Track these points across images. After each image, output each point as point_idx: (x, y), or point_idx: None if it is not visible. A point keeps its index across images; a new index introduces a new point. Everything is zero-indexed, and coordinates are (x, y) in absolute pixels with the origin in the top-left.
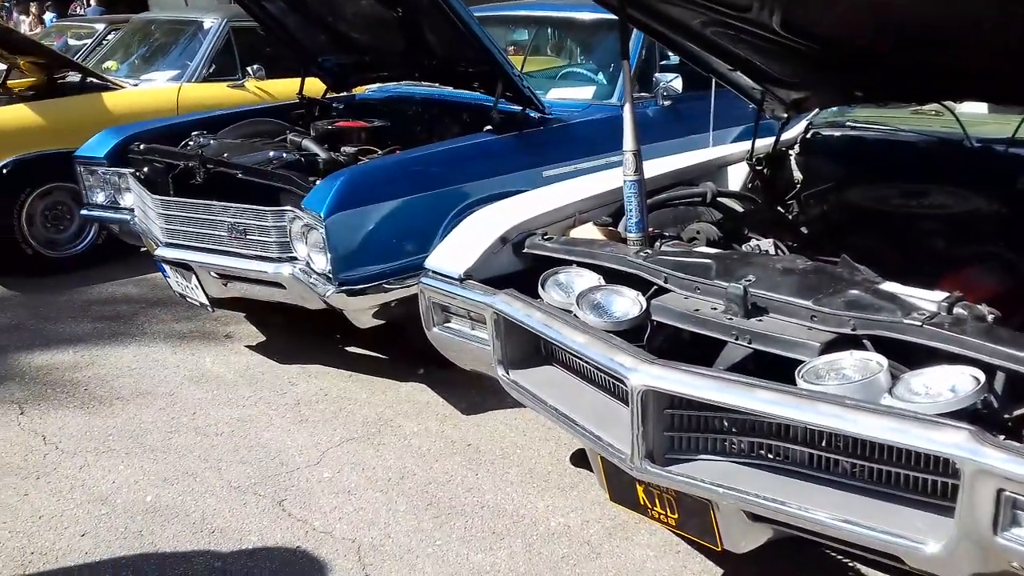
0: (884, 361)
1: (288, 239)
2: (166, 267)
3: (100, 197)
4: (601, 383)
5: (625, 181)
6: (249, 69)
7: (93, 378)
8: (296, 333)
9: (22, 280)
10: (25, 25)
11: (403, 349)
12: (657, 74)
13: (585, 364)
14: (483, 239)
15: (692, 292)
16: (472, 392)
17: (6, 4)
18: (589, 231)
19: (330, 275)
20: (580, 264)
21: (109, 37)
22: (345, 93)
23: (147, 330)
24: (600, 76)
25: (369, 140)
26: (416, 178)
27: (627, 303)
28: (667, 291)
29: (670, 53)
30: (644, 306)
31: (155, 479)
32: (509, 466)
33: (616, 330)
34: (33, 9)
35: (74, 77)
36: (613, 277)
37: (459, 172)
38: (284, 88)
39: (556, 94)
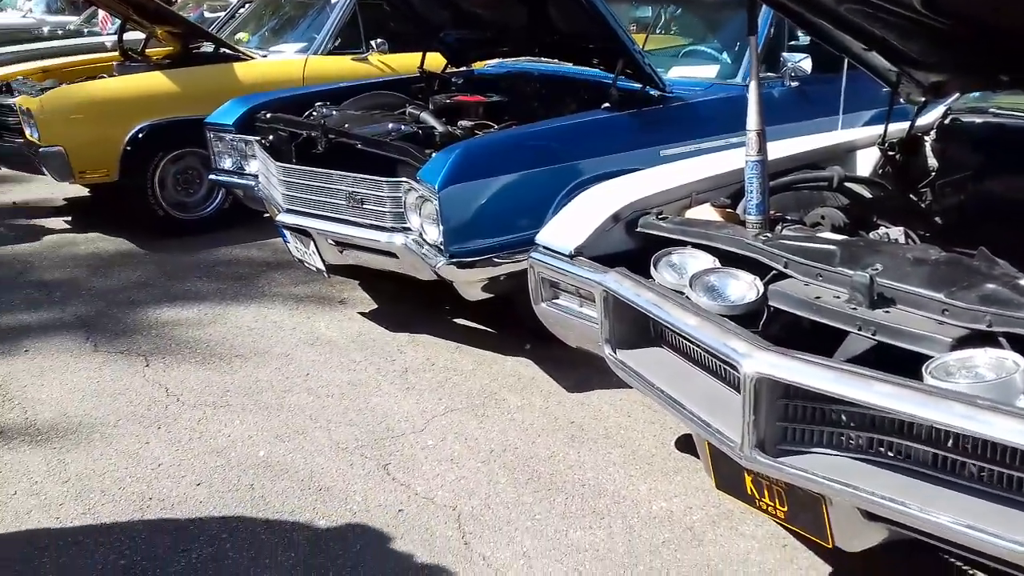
0: (1021, 360)
1: (403, 210)
2: (286, 232)
3: (227, 163)
4: (712, 368)
5: (747, 161)
6: (373, 43)
7: (215, 335)
8: (406, 301)
9: (153, 240)
10: None
11: (511, 323)
12: (785, 54)
13: (696, 347)
14: (595, 216)
15: (814, 279)
16: (578, 370)
17: None
18: (706, 212)
19: (442, 247)
20: (695, 245)
21: (242, 10)
22: (464, 68)
23: (267, 292)
24: (724, 55)
25: (486, 115)
26: (531, 153)
27: (743, 287)
28: (786, 277)
29: (799, 33)
30: (761, 291)
31: (268, 435)
32: (612, 446)
33: (730, 314)
34: None
35: (208, 47)
36: (729, 260)
37: (575, 148)
38: (406, 62)
39: (678, 72)
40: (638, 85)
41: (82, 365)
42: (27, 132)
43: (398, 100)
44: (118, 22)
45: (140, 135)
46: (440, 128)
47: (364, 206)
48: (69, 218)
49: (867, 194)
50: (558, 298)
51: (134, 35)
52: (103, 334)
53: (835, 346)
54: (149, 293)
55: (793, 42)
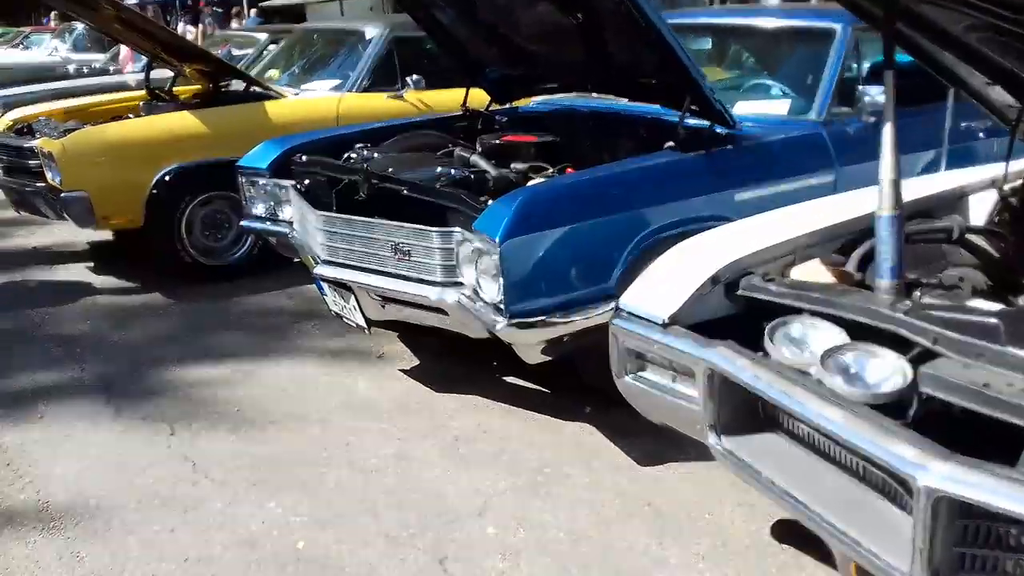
0: None
1: (455, 263)
2: (324, 285)
3: (260, 208)
4: (848, 465)
5: (879, 217)
6: (409, 80)
7: (246, 398)
8: (450, 357)
9: (179, 288)
10: (191, 36)
11: (567, 383)
12: (861, 87)
13: (835, 445)
14: (691, 278)
15: (974, 359)
16: (646, 438)
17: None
18: (816, 271)
19: (501, 305)
20: (814, 314)
21: (271, 47)
22: (508, 105)
23: (301, 346)
24: (795, 89)
25: (538, 156)
26: (597, 200)
27: (886, 368)
28: (936, 356)
29: (869, 65)
30: (911, 375)
31: (307, 520)
32: (698, 535)
33: (874, 403)
34: (202, 21)
35: (237, 85)
36: (859, 333)
37: (643, 194)
38: (442, 99)
39: (744, 108)
40: (704, 122)
41: (102, 434)
42: (48, 176)
43: (441, 140)
44: (141, 60)
45: (167, 179)
46: (493, 172)
47: (411, 258)
48: (92, 264)
49: (991, 248)
50: (645, 371)
51: (162, 72)
52: (125, 397)
53: (996, 446)
54: (175, 348)
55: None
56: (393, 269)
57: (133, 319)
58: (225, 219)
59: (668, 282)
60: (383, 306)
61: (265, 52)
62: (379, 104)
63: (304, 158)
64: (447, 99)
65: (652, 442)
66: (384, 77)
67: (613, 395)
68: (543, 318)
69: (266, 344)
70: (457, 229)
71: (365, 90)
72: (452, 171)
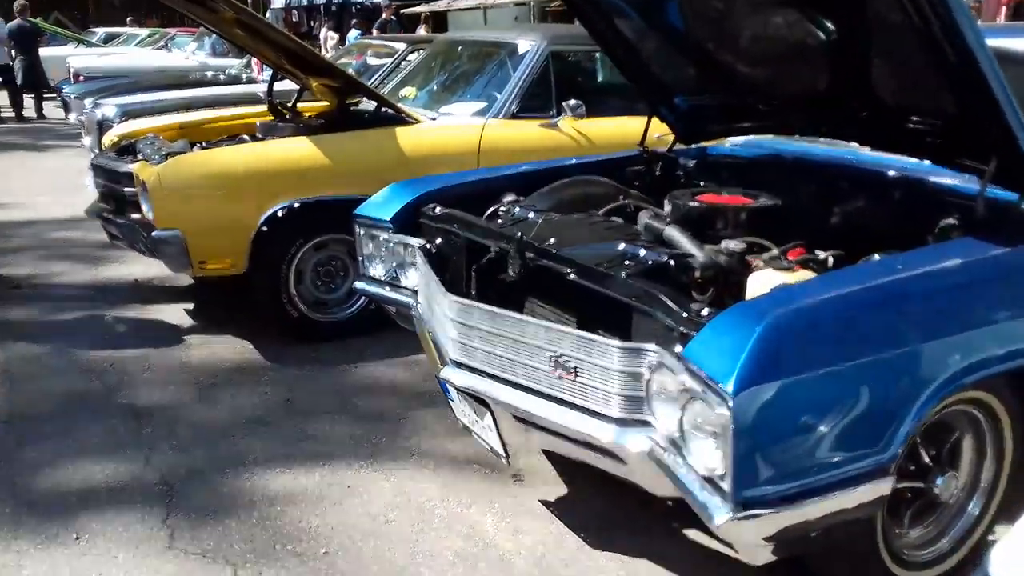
0: None
1: (643, 394)
2: (451, 389)
3: (378, 269)
4: None
5: None
6: (566, 105)
7: (336, 532)
8: (609, 494)
9: (282, 347)
10: (332, 43)
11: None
12: None
13: None
14: None
15: None
16: None
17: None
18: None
19: (723, 485)
20: None
21: (410, 58)
22: (695, 145)
23: (413, 448)
24: None
25: (751, 225)
26: (880, 322)
27: None
28: None
29: None
30: None
31: None
32: None
33: None
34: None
35: (367, 105)
36: None
37: (954, 312)
38: (604, 132)
39: None
40: (1009, 193)
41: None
42: (143, 208)
43: (611, 190)
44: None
45: (277, 217)
46: (700, 257)
47: (577, 378)
48: (191, 306)
49: None
50: None
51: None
52: (187, 514)
53: None
54: (262, 439)
55: None
56: (550, 389)
57: (222, 390)
58: (341, 267)
59: None
60: (527, 430)
61: (404, 63)
62: (529, 134)
63: (438, 210)
64: (610, 131)
65: None
66: (535, 101)
67: None
68: (787, 507)
69: (373, 444)
70: (651, 348)
71: (513, 116)
72: (641, 251)
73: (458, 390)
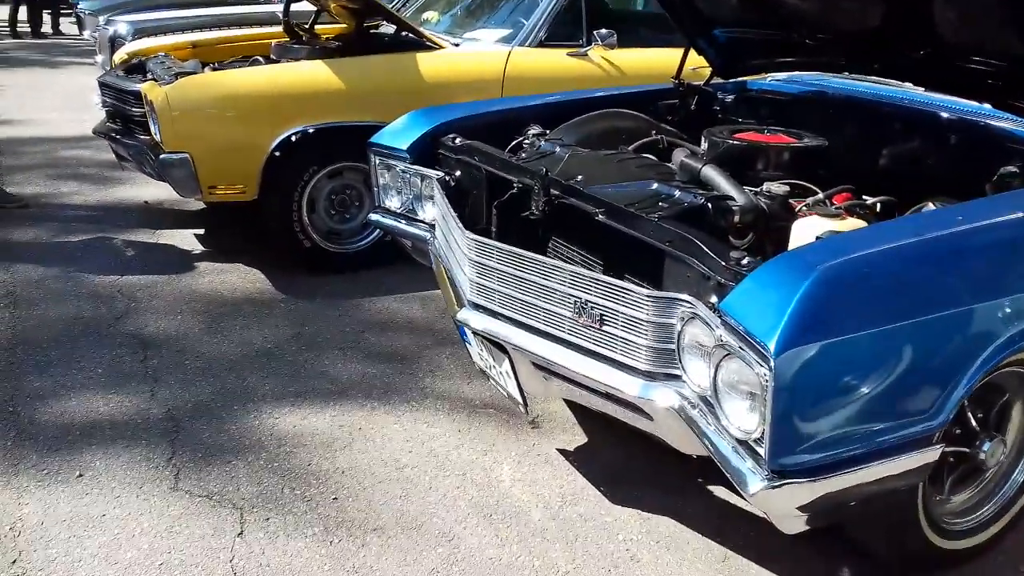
0: None
1: (674, 346)
2: (468, 333)
3: (394, 201)
4: None
5: None
6: (596, 34)
7: (347, 476)
8: (630, 444)
9: (293, 278)
10: None
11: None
12: None
13: None
14: None
15: None
16: None
17: None
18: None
19: (759, 450)
20: None
21: None
22: (733, 80)
23: (428, 391)
24: None
25: (793, 166)
26: (936, 278)
27: None
28: None
29: None
30: None
31: None
32: None
33: None
34: None
35: (387, 28)
36: None
37: (1016, 268)
38: (636, 63)
39: None
40: None
41: (147, 521)
42: (152, 129)
43: (643, 124)
44: None
45: (291, 142)
46: (740, 199)
47: (604, 326)
48: (201, 232)
49: None
50: None
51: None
52: (193, 454)
53: None
54: (272, 374)
55: None
56: (573, 336)
57: (231, 319)
58: (355, 196)
59: None
60: (546, 378)
61: None
62: (557, 64)
63: (458, 141)
64: (642, 62)
65: None
66: (564, 29)
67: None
68: (825, 475)
69: (385, 382)
70: (685, 298)
71: (541, 44)
72: (675, 191)
73: (475, 333)
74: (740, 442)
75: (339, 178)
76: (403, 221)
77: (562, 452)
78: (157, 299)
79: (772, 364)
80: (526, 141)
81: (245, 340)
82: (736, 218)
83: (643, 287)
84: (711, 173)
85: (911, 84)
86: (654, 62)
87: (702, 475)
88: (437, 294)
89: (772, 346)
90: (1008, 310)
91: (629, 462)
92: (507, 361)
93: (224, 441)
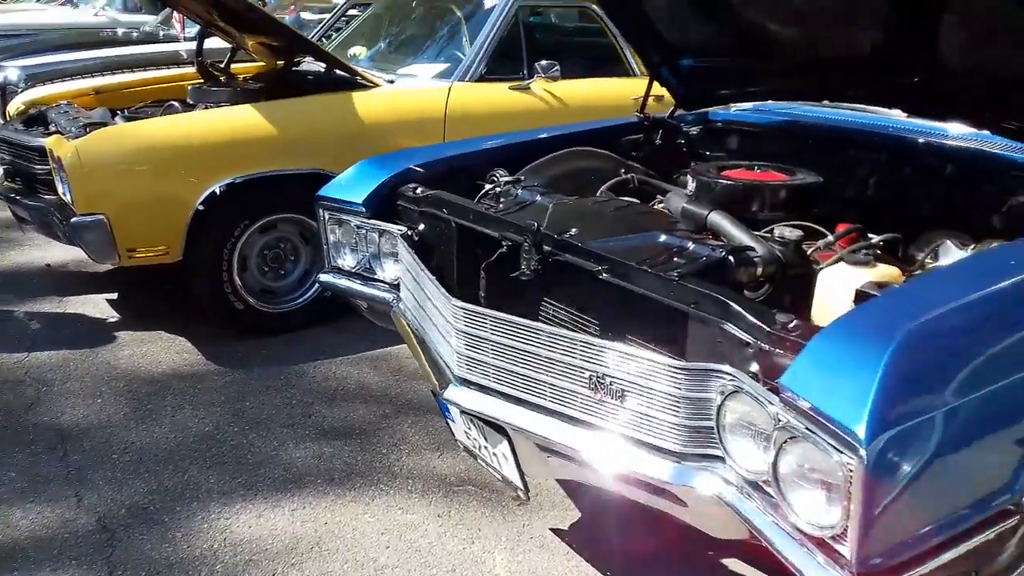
0: None
1: (712, 424)
2: (451, 409)
3: (349, 260)
4: None
5: None
6: (538, 66)
7: None
8: (630, 517)
9: (225, 344)
10: None
11: None
12: None
13: None
14: None
15: None
16: None
17: None
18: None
19: (845, 554)
20: None
21: (351, 13)
22: (695, 111)
23: (395, 469)
24: None
25: (790, 206)
26: (1013, 336)
27: None
28: None
29: None
30: None
31: None
32: None
33: None
34: None
35: (310, 65)
36: None
37: None
38: (580, 94)
39: None
40: None
41: None
42: (59, 188)
43: (611, 163)
44: (194, 25)
45: (217, 197)
46: (761, 250)
47: (625, 403)
48: (114, 296)
49: None
50: None
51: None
52: (135, 571)
53: None
54: (213, 466)
55: None
56: (588, 415)
57: (160, 399)
58: (291, 250)
59: None
60: (550, 458)
61: (344, 19)
62: (500, 98)
63: (420, 191)
64: (587, 94)
65: None
66: (505, 62)
67: None
68: (911, 570)
69: (346, 463)
70: (726, 370)
71: (481, 78)
72: (689, 244)
73: (465, 413)
74: (811, 538)
75: (272, 231)
76: (359, 282)
77: (557, 533)
78: (72, 380)
79: (863, 453)
80: (496, 188)
81: (179, 424)
82: (759, 271)
83: (671, 357)
84: (719, 220)
85: (899, 111)
86: (599, 93)
87: (716, 548)
88: (390, 353)
89: (861, 432)
90: None
91: (633, 538)
92: (506, 443)
93: (169, 553)
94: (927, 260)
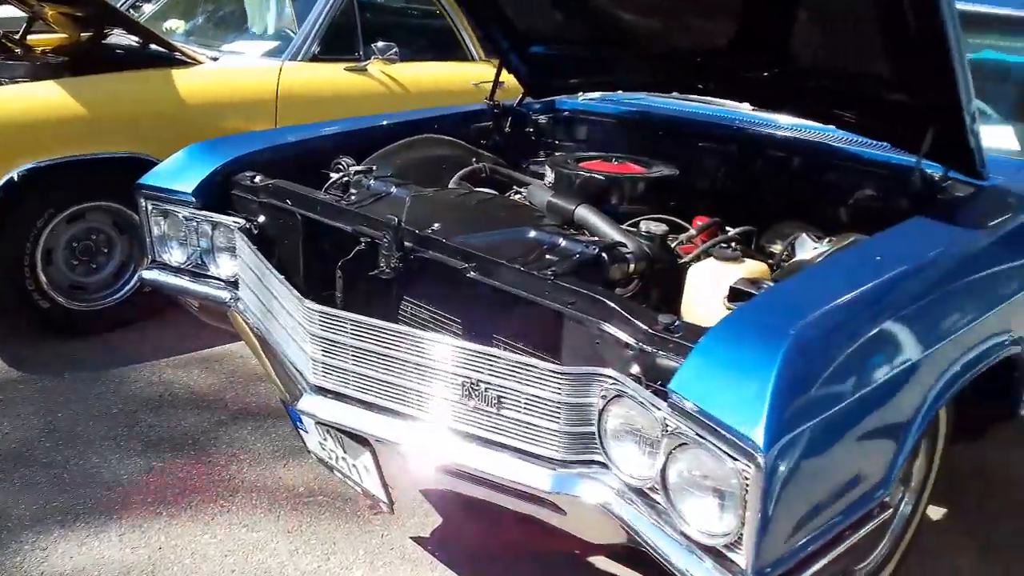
0: None
1: (593, 430)
2: (304, 419)
3: (177, 255)
4: None
5: None
6: (375, 47)
7: None
8: (491, 520)
9: (31, 347)
10: None
11: None
12: None
13: None
14: None
15: None
16: None
17: None
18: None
19: (739, 562)
20: None
21: None
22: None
23: (236, 482)
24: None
25: (647, 198)
26: (888, 333)
27: None
28: None
29: None
30: None
31: None
32: None
33: None
34: None
35: (123, 39)
36: None
37: (942, 312)
38: (418, 78)
39: None
40: (939, 166)
41: None
42: None
43: (461, 151)
44: None
45: (15, 183)
46: (631, 245)
47: (502, 411)
48: None
49: None
50: None
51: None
52: None
53: None
54: (25, 490)
55: None
56: (462, 423)
57: None
58: (103, 241)
59: None
60: (416, 470)
61: None
62: (335, 80)
63: (259, 179)
64: (426, 78)
65: None
66: (339, 41)
67: None
68: (802, 572)
69: (180, 477)
70: (608, 373)
71: (315, 58)
72: (560, 240)
73: (324, 425)
74: (702, 546)
75: (81, 221)
76: (189, 278)
77: (419, 542)
78: None
79: (760, 460)
80: (345, 178)
81: None
82: (631, 267)
83: (549, 361)
84: (587, 215)
85: (748, 105)
86: (438, 76)
87: (581, 547)
88: (223, 352)
89: (759, 438)
90: (942, 358)
91: (496, 543)
92: (368, 455)
93: None
94: (784, 254)
